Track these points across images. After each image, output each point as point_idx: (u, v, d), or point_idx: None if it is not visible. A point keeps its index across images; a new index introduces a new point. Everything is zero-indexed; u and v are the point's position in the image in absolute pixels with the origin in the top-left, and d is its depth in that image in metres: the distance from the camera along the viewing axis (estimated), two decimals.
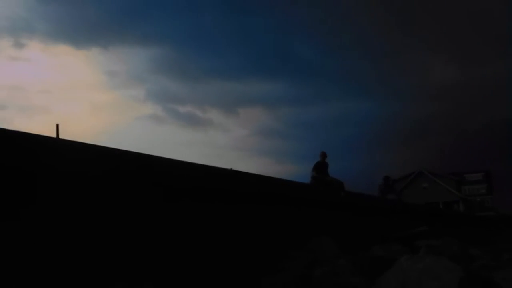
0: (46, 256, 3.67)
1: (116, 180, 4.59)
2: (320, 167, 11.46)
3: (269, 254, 6.24)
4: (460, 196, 48.17)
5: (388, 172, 17.79)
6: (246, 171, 8.32)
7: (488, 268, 6.77)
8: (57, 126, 5.62)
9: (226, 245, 5.75)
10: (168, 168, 5.41)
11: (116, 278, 3.91)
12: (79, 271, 3.83)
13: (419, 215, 16.16)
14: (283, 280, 5.08)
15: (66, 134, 4.95)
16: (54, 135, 4.92)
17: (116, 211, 4.42)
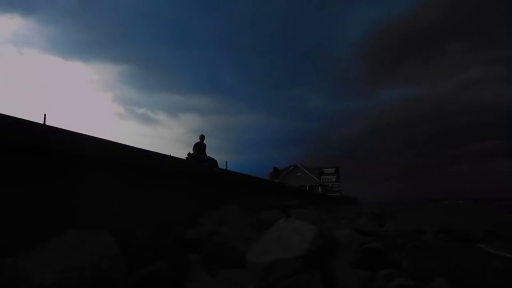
0: None
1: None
2: (199, 147, 10.12)
3: (190, 213, 6.19)
4: (320, 183, 50.80)
5: (275, 164, 18.26)
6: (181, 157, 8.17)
7: (332, 228, 7.24)
8: (44, 115, 5.21)
9: (161, 206, 5.63)
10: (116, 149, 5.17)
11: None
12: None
13: (294, 193, 16.83)
14: (199, 232, 5.04)
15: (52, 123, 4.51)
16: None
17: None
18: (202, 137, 10.40)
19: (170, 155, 7.59)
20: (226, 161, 11.44)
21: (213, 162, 9.38)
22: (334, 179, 53.66)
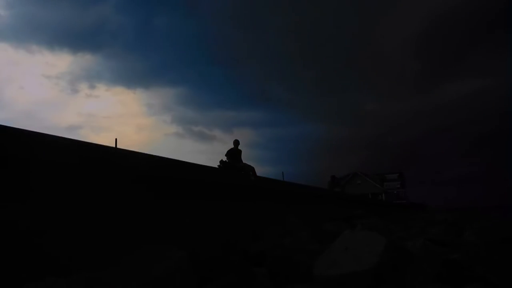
0: None
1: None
2: (233, 154, 9.10)
3: (251, 227, 6.25)
4: (383, 190, 48.50)
5: (333, 173, 17.88)
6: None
7: (402, 239, 6.84)
8: (116, 140, 5.71)
9: (225, 221, 5.75)
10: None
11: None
12: None
13: (356, 202, 16.28)
14: (263, 246, 5.06)
15: (121, 146, 5.00)
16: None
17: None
18: (236, 143, 9.56)
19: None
20: (283, 173, 11.44)
21: (250, 169, 8.65)
22: (398, 185, 50.95)
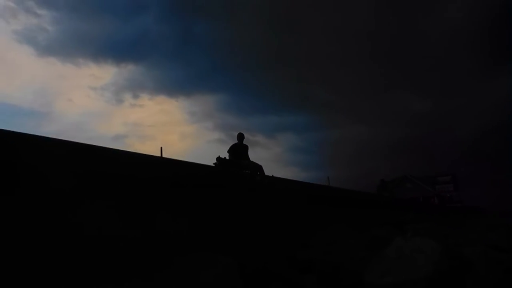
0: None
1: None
2: (236, 150, 7.52)
3: (299, 233, 6.22)
4: (435, 193, 46.15)
5: (381, 176, 17.33)
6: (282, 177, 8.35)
7: (458, 245, 6.49)
8: (161, 148, 5.98)
9: (272, 227, 5.78)
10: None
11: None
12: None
13: (406, 207, 15.66)
14: (311, 253, 5.03)
15: (166, 154, 5.25)
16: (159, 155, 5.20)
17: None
18: (240, 137, 7.87)
19: (272, 175, 7.84)
20: (328, 177, 11.22)
21: (257, 168, 7.27)
22: (451, 188, 48.17)
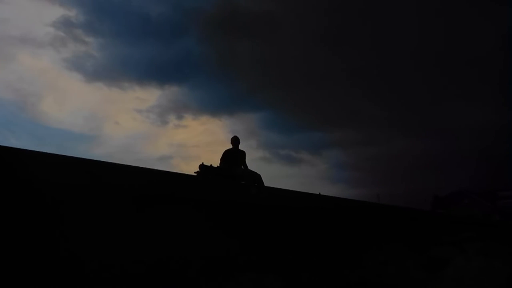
0: None
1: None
2: (228, 156, 6.60)
3: (350, 252, 6.07)
4: (495, 209, 42.86)
5: (435, 192, 16.49)
6: (331, 195, 8.25)
7: None
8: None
9: (320, 246, 5.70)
10: None
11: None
12: None
13: (464, 223, 14.72)
14: (364, 274, 4.89)
15: None
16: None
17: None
18: (235, 141, 6.86)
19: (319, 193, 7.76)
20: (378, 194, 10.84)
21: (253, 177, 6.34)
22: None
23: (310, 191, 6.90)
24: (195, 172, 5.94)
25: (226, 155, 6.71)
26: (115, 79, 60.31)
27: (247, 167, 6.82)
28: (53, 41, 51.72)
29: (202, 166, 5.96)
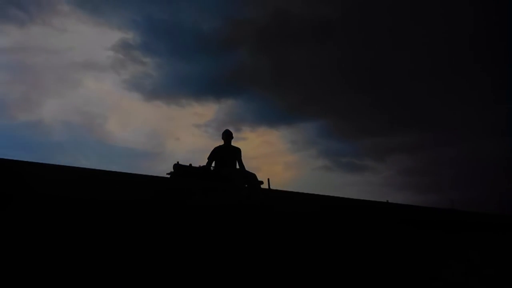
0: None
1: None
2: (219, 154, 5.63)
3: (426, 264, 5.84)
4: None
5: None
6: (397, 202, 7.97)
7: None
8: (268, 179, 5.94)
9: (393, 257, 5.58)
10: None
11: None
12: None
13: None
14: (443, 286, 4.70)
15: (274, 185, 5.39)
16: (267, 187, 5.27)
17: None
18: (226, 136, 5.85)
19: (387, 201, 7.52)
20: (452, 200, 10.19)
21: (245, 178, 5.32)
22: None
23: (375, 199, 6.76)
24: (167, 174, 5.06)
25: (215, 153, 5.73)
26: (173, 96, 63.18)
27: (243, 166, 5.89)
28: (113, 64, 55.78)
29: (176, 166, 5.01)
